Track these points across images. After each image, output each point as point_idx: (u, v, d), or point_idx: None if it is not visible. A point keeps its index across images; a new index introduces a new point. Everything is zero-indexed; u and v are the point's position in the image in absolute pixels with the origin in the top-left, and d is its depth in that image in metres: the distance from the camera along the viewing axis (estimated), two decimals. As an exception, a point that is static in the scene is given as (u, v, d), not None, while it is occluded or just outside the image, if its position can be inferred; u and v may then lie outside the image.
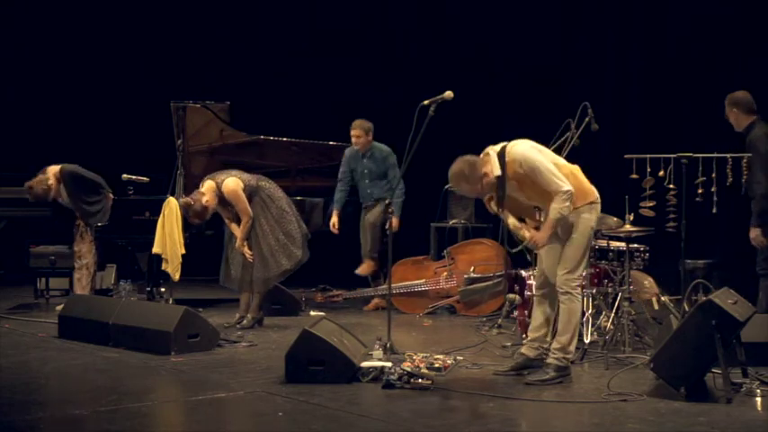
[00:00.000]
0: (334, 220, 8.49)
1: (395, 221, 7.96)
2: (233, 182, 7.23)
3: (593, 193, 5.50)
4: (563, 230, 5.44)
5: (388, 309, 6.76)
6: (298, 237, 7.41)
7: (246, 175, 7.37)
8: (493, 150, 5.42)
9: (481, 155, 5.45)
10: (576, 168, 5.58)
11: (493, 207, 5.56)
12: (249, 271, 7.30)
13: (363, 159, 8.47)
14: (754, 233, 6.60)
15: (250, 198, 7.29)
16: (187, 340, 6.31)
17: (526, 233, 5.47)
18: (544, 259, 5.58)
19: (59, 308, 7.39)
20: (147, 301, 8.06)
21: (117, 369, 5.82)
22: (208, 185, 7.23)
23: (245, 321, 7.36)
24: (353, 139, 8.38)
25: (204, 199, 7.13)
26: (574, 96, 6.88)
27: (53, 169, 8.06)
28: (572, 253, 5.42)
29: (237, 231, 7.29)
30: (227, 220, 7.39)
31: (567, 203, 5.29)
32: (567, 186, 5.28)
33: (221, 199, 7.23)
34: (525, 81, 9.79)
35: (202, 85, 10.33)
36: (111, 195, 8.19)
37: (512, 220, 5.56)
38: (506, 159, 5.34)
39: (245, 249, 7.24)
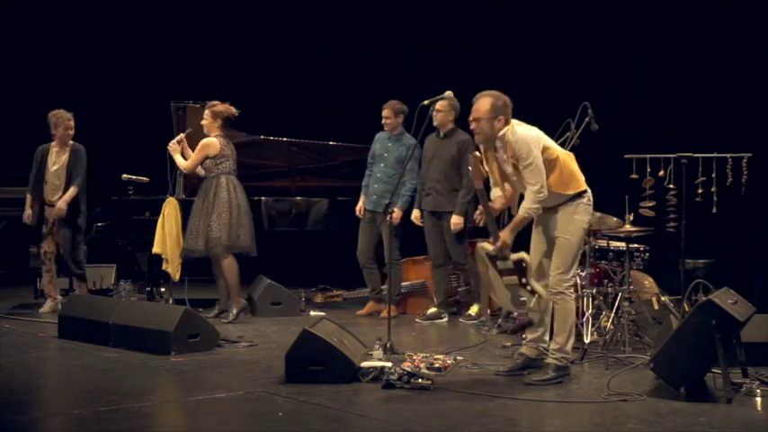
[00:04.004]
0: (360, 205, 8.26)
1: (397, 213, 7.83)
2: (213, 140, 7.57)
3: (583, 182, 5.46)
4: (552, 227, 5.44)
5: (389, 308, 6.77)
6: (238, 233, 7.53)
7: (232, 160, 7.62)
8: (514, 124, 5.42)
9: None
10: (570, 156, 5.55)
11: (482, 169, 5.40)
12: (214, 235, 7.42)
13: (389, 143, 8.14)
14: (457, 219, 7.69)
15: (216, 169, 7.51)
16: (187, 340, 6.31)
17: (489, 246, 5.41)
18: (531, 255, 5.55)
19: (59, 308, 7.39)
20: (147, 301, 8.06)
21: (117, 369, 5.81)
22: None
23: (231, 315, 7.49)
24: (383, 120, 8.11)
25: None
26: (574, 96, 6.88)
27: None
28: (566, 253, 5.41)
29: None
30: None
31: (537, 206, 5.30)
32: (543, 190, 5.26)
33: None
34: (525, 80, 9.78)
35: (202, 85, 10.33)
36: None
37: (496, 193, 5.54)
38: (507, 138, 5.35)
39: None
